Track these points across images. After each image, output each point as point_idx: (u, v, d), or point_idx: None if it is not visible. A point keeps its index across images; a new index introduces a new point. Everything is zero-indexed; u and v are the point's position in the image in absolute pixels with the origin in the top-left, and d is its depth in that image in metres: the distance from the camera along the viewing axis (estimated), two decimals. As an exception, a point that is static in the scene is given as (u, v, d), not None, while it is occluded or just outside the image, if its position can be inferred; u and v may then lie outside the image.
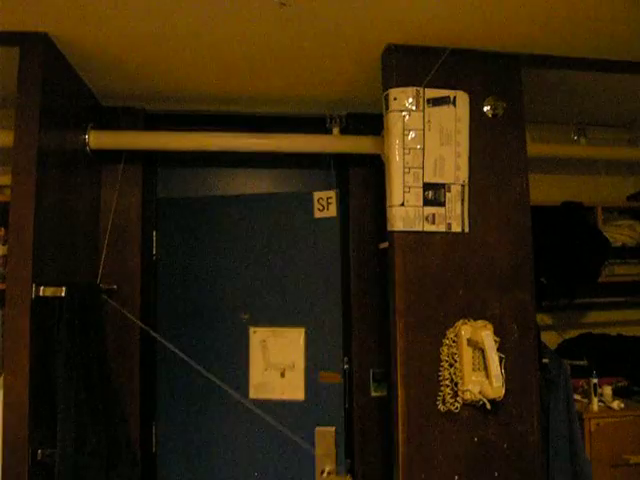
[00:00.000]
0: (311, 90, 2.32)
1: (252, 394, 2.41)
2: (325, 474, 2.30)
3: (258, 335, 2.45)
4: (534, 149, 2.28)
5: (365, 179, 2.53)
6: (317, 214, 2.47)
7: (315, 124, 2.50)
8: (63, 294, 1.76)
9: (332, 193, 2.46)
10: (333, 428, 2.35)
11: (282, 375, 2.41)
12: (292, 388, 2.39)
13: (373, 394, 2.45)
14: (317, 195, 2.48)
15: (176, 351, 2.18)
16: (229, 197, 2.59)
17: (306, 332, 2.43)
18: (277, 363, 2.42)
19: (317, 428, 2.35)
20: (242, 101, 2.46)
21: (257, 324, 2.46)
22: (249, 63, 2.06)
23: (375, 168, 2.41)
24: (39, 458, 1.66)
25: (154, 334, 2.28)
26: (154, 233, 2.51)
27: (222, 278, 2.51)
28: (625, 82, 2.26)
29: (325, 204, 2.47)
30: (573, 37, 1.88)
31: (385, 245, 1.95)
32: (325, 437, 2.34)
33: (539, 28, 1.81)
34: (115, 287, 2.30)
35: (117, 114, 2.40)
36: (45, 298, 1.72)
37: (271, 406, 2.37)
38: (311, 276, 2.47)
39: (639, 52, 2.00)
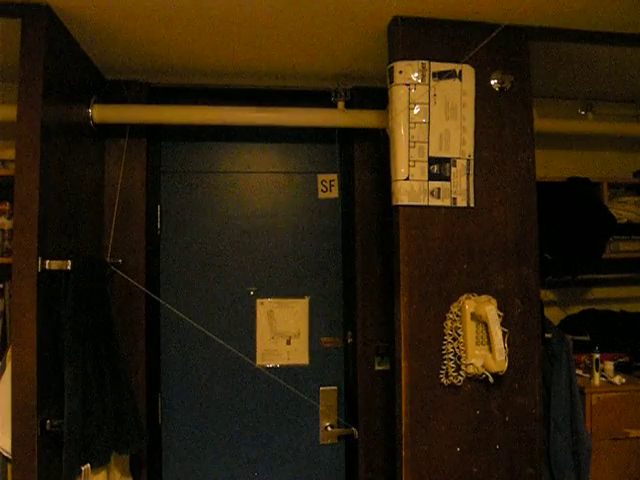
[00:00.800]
0: (316, 63, 2.30)
1: (259, 361, 2.55)
2: (329, 428, 2.55)
3: (265, 306, 2.59)
4: (541, 124, 2.26)
5: (370, 153, 2.52)
6: (321, 195, 2.64)
7: (320, 98, 2.47)
8: (69, 267, 1.77)
9: (334, 176, 2.64)
10: (335, 388, 2.59)
11: (288, 343, 2.59)
12: (297, 354, 2.59)
13: (377, 368, 2.48)
14: (321, 177, 2.64)
15: (190, 321, 2.31)
16: (234, 172, 2.62)
17: (310, 302, 2.61)
18: (283, 332, 2.59)
19: (321, 388, 2.58)
20: (246, 75, 2.44)
21: (263, 296, 2.59)
22: (253, 36, 2.04)
23: (380, 142, 2.39)
24: (48, 428, 1.69)
25: (168, 305, 2.35)
26: (158, 207, 2.51)
27: (228, 252, 2.57)
28: (633, 56, 2.23)
29: (328, 186, 2.64)
30: (582, 9, 1.85)
31: (390, 219, 1.94)
32: (328, 396, 2.58)
33: (547, 0, 1.78)
34: (120, 261, 2.31)
35: (121, 88, 2.38)
36: (51, 271, 1.73)
37: (277, 371, 2.54)
38: (314, 252, 2.64)
39: (649, 25, 1.98)
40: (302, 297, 2.60)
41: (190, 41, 2.08)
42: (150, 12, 1.84)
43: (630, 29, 2.01)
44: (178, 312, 2.31)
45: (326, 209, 2.64)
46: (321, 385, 2.57)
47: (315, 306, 2.60)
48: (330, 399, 2.56)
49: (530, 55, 1.97)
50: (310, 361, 2.58)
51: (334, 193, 2.63)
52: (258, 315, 2.57)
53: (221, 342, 2.34)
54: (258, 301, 2.57)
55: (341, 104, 2.42)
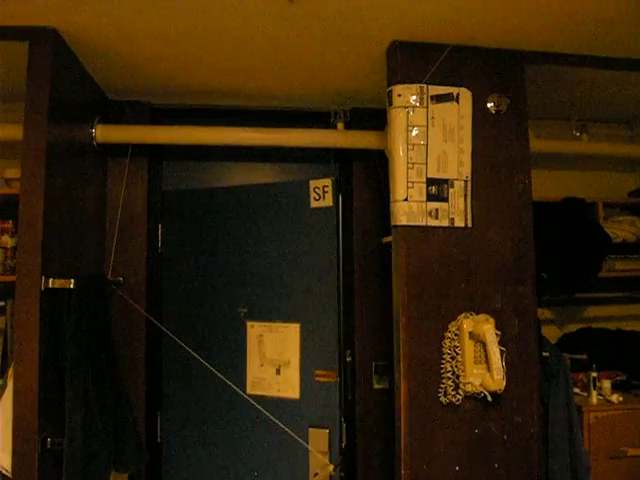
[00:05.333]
0: (316, 85, 2.34)
1: (249, 389, 2.33)
2: (319, 476, 2.21)
3: (255, 330, 2.36)
4: (536, 145, 2.29)
5: (369, 174, 2.55)
6: (313, 203, 2.32)
7: (320, 119, 2.51)
8: (72, 286, 1.79)
9: (328, 181, 2.29)
10: (327, 431, 2.21)
11: (277, 372, 2.30)
12: (287, 386, 2.27)
13: (375, 386, 2.48)
14: (313, 184, 2.31)
15: (182, 344, 2.23)
16: (226, 188, 2.54)
17: (301, 328, 2.29)
18: (273, 359, 2.30)
19: (310, 429, 2.23)
20: (247, 96, 2.48)
21: (254, 318, 2.37)
22: (255, 59, 2.08)
23: (379, 163, 2.43)
24: (48, 447, 1.70)
25: (163, 327, 2.33)
26: (159, 226, 2.53)
27: (222, 270, 2.48)
28: (626, 79, 2.27)
29: (321, 193, 2.30)
30: (576, 34, 1.90)
31: (389, 239, 1.97)
32: (319, 438, 2.22)
33: (542, 25, 1.83)
34: (121, 279, 2.33)
35: (123, 108, 2.42)
36: (54, 290, 1.74)
37: (267, 403, 2.28)
38: (307, 269, 2.36)
39: (640, 50, 2.02)
40: (292, 322, 2.30)
41: (192, 63, 2.12)
42: (153, 36, 1.88)
43: (624, 53, 2.06)
44: (172, 335, 2.26)
45: (319, 220, 2.32)
46: (311, 425, 2.24)
47: (307, 333, 2.30)
48: (321, 443, 2.20)
49: (526, 78, 2.01)
50: (301, 395, 2.27)
51: (328, 201, 2.27)
52: (248, 339, 2.35)
53: (213, 370, 2.17)
54: (248, 324, 2.37)
55: (340, 125, 2.46)
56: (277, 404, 2.27)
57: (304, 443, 2.08)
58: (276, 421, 2.10)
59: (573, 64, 2.09)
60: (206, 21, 1.78)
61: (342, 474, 2.32)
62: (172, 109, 2.56)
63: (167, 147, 2.58)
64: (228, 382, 2.18)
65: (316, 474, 2.21)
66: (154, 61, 2.09)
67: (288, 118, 2.57)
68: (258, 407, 2.17)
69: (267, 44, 1.95)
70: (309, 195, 2.31)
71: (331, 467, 2.15)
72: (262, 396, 2.29)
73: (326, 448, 2.19)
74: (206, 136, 2.29)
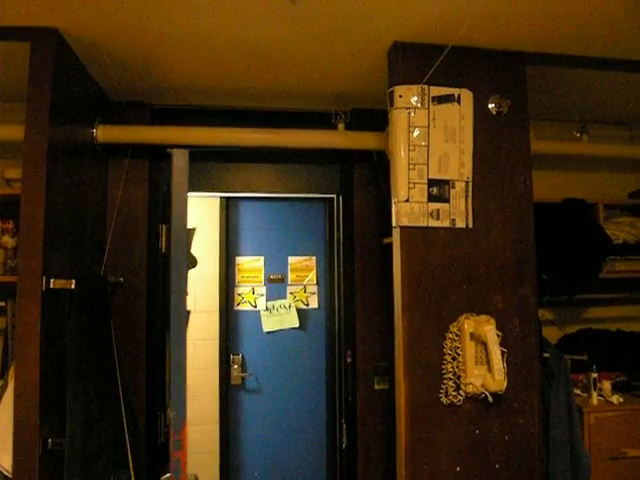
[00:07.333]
0: (317, 85, 2.34)
1: None
2: None
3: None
4: (537, 146, 2.29)
5: (369, 175, 2.55)
6: None
7: (320, 120, 2.51)
8: (73, 287, 1.79)
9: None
10: None
11: None
12: None
13: (376, 387, 2.48)
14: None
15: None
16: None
17: None
18: None
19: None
20: (249, 96, 2.48)
21: None
22: (256, 60, 2.08)
23: (380, 164, 2.43)
24: (49, 447, 1.69)
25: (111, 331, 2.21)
26: (162, 227, 2.52)
27: None
28: (627, 80, 2.28)
29: None
30: (576, 36, 1.91)
31: (389, 240, 1.97)
32: None
33: (542, 26, 1.84)
34: (122, 280, 2.32)
35: (124, 108, 2.41)
36: (55, 290, 1.74)
37: None
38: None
39: (640, 51, 2.03)
40: None
41: (192, 63, 2.12)
42: (154, 36, 1.88)
43: (623, 55, 2.06)
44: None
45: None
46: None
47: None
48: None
49: (526, 79, 2.02)
50: None
51: None
52: None
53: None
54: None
55: (341, 126, 2.46)
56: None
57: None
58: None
59: (573, 65, 2.09)
60: (207, 22, 1.78)
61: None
62: (173, 109, 2.56)
63: (168, 148, 2.57)
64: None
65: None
66: (155, 61, 2.09)
67: (288, 119, 2.57)
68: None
69: (268, 45, 1.95)
70: None
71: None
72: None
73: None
74: (206, 137, 2.29)
